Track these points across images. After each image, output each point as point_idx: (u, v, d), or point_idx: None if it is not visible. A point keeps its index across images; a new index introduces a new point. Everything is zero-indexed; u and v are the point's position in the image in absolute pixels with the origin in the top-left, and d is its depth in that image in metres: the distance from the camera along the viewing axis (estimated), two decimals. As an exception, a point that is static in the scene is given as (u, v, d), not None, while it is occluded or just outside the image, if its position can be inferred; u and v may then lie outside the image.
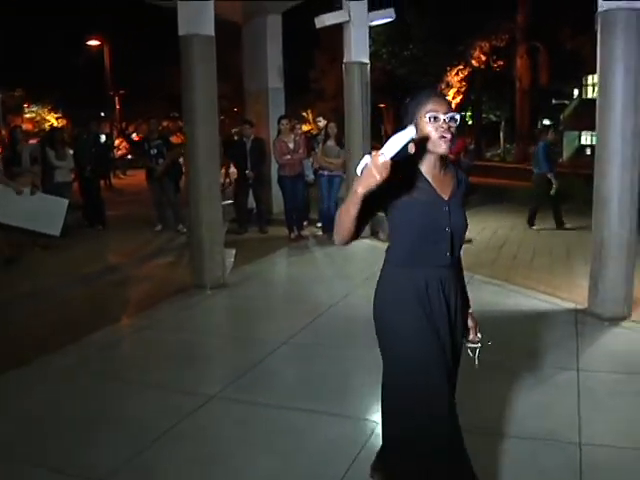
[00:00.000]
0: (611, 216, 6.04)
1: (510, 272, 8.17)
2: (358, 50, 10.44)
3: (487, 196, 16.39)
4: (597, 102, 6.17)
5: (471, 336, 2.97)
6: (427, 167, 2.67)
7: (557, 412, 4.14)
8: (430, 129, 2.57)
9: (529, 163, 14.48)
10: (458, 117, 2.61)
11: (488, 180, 21.60)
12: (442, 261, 2.70)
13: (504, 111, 42.06)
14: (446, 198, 2.69)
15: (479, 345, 2.96)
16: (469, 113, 43.47)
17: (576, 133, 35.07)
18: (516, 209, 13.73)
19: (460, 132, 16.86)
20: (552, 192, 11.21)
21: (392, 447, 2.81)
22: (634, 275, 6.19)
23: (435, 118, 2.56)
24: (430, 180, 2.67)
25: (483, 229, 11.64)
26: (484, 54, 32.99)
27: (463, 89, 34.58)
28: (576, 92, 37.20)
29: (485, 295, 6.97)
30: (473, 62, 33.10)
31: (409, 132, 2.29)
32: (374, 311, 2.81)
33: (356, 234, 2.50)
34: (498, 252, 9.62)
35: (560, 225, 11.41)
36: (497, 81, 35.26)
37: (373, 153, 2.23)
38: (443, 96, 2.70)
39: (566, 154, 34.28)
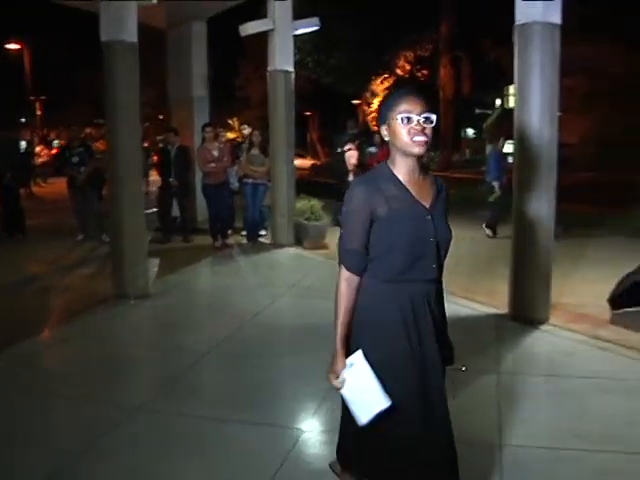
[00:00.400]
0: (530, 222, 6.25)
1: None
2: (283, 58, 10.50)
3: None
4: (515, 112, 6.39)
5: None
6: (404, 174, 2.52)
7: (479, 415, 4.24)
8: (402, 131, 2.44)
9: (452, 170, 14.84)
10: (434, 117, 2.45)
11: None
12: (428, 275, 2.52)
13: (429, 120, 43.01)
14: (428, 206, 2.54)
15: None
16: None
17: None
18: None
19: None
20: (491, 199, 11.59)
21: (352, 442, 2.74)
22: (552, 279, 6.41)
23: (408, 119, 2.43)
24: (409, 188, 2.52)
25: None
26: (409, 63, 33.76)
27: (388, 99, 35.21)
28: (498, 102, 38.21)
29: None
30: (398, 71, 33.78)
31: (381, 404, 2.43)
32: (354, 322, 2.64)
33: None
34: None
35: (494, 233, 11.61)
36: (421, 90, 36.02)
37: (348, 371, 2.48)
38: (420, 94, 2.51)
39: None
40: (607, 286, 6.74)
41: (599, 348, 5.58)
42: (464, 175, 29.23)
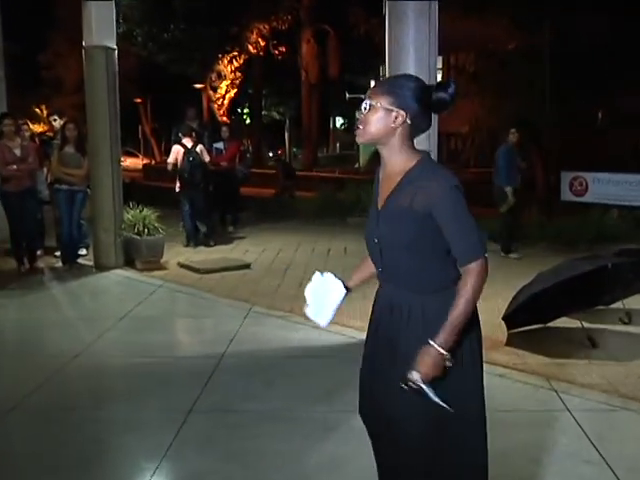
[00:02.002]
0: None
1: (296, 301, 8.46)
2: (102, 31, 10.37)
3: (268, 211, 16.90)
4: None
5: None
6: (381, 169, 2.93)
7: (355, 463, 4.37)
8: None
9: (319, 169, 15.15)
10: (367, 103, 2.79)
11: (271, 191, 22.25)
12: (381, 277, 2.95)
13: (289, 108, 43.52)
14: (380, 205, 2.87)
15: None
16: (246, 110, 44.50)
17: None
18: (303, 225, 14.29)
19: (235, 134, 17.15)
20: (502, 209, 11.37)
21: None
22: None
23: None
24: (381, 184, 2.91)
25: (263, 251, 12.03)
26: (263, 38, 33.83)
27: (238, 81, 35.26)
28: (372, 84, 39.22)
29: (267, 330, 7.24)
30: (250, 48, 33.81)
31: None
32: None
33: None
34: (282, 278, 10.00)
35: (507, 252, 11.40)
36: (280, 71, 36.35)
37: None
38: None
39: (362, 158, 36.11)
40: (501, 301, 7.14)
41: (495, 375, 5.85)
42: (332, 175, 29.96)
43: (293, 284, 9.52)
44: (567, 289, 6.67)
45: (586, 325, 6.99)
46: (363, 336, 6.79)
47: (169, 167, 12.45)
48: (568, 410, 5.16)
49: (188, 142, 12.20)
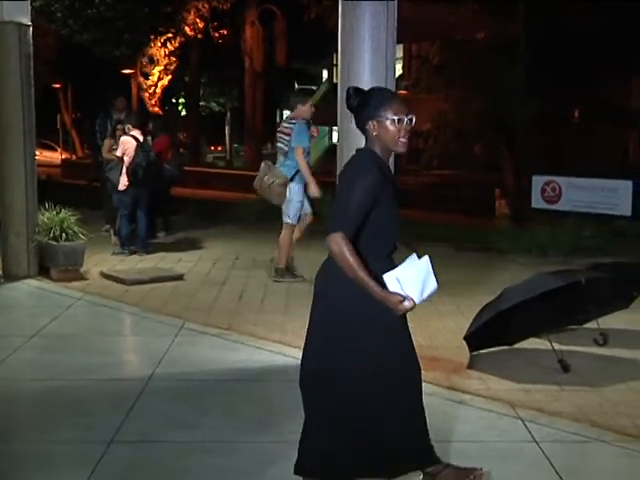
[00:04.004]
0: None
1: (235, 317, 8.52)
2: (13, 4, 10.25)
3: (204, 215, 16.83)
4: (339, 89, 6.67)
5: None
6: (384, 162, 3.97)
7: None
8: (394, 130, 3.86)
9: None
10: (414, 118, 3.90)
11: (208, 193, 22.19)
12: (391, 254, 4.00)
13: (230, 98, 43.50)
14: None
15: None
16: (182, 100, 44.28)
17: (326, 128, 36.78)
18: (244, 231, 14.25)
19: (164, 127, 17.01)
20: None
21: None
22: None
23: (400, 120, 3.85)
24: None
25: (199, 260, 12.00)
26: (201, 19, 33.67)
27: (173, 67, 35.03)
28: (326, 74, 39.12)
29: (200, 350, 7.22)
30: (187, 30, 33.63)
31: (424, 265, 3.81)
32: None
33: None
34: (219, 291, 9.96)
35: None
36: (220, 57, 36.24)
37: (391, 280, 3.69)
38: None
39: (313, 156, 36.16)
40: (463, 319, 7.21)
41: (455, 402, 5.96)
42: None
43: (232, 298, 9.52)
44: (536, 306, 6.74)
45: (557, 347, 7.02)
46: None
47: (111, 160, 12.22)
48: (535, 441, 5.22)
49: (139, 135, 12.09)
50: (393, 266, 3.83)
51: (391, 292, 3.70)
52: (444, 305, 8.64)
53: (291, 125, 10.11)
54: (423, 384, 5.39)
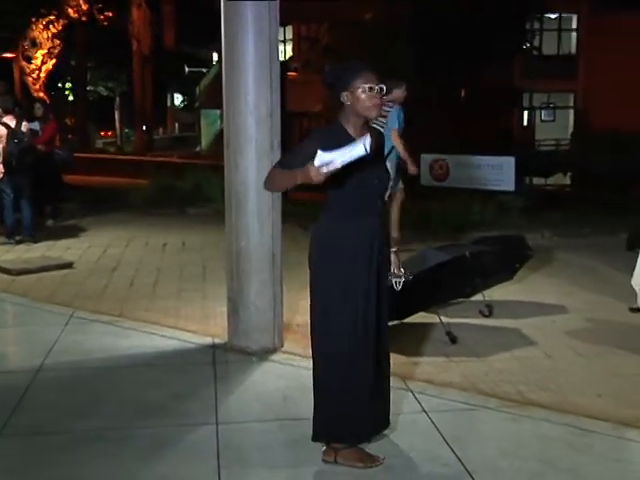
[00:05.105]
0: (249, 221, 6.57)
1: (126, 304, 8.50)
2: None
3: (94, 202, 16.64)
4: (223, 75, 6.65)
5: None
6: (354, 129, 4.37)
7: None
8: (364, 97, 4.26)
9: (154, 154, 15.00)
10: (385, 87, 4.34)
11: (98, 179, 21.92)
12: (374, 210, 4.42)
13: (119, 83, 42.89)
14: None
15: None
16: (69, 85, 43.45)
17: (217, 112, 36.60)
18: (136, 217, 14.14)
19: (52, 112, 16.66)
20: None
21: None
22: (284, 294, 6.85)
23: (370, 88, 4.26)
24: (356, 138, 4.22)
25: (88, 247, 11.90)
26: (85, 1, 33.08)
27: (57, 50, 34.29)
28: (216, 57, 38.91)
29: (92, 338, 7.15)
30: (70, 12, 32.99)
31: (360, 150, 3.91)
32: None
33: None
34: (109, 278, 9.91)
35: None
36: (107, 40, 35.67)
37: (320, 153, 3.92)
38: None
39: (205, 140, 36.00)
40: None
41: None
42: (170, 159, 29.76)
43: (123, 284, 9.48)
44: (424, 281, 6.88)
45: (445, 320, 7.25)
46: (201, 340, 6.90)
47: None
48: (425, 411, 5.37)
49: (10, 121, 11.82)
50: (380, 223, 4.45)
51: (308, 165, 3.98)
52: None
53: (387, 109, 10.36)
54: (280, 354, 5.73)
